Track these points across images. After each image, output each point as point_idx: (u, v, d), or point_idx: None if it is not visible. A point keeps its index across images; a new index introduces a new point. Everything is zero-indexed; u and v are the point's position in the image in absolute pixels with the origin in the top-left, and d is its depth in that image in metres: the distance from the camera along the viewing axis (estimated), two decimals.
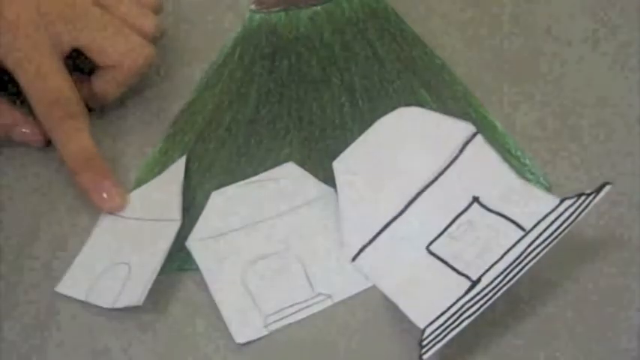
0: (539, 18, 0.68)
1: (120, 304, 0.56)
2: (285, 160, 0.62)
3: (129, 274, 0.58)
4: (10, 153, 0.65)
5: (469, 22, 0.68)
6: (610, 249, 0.56)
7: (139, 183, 0.63)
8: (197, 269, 0.58)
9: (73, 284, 0.59)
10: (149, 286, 0.56)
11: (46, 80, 0.61)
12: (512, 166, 0.59)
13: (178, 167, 0.62)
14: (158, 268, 0.57)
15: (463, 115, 0.62)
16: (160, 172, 0.63)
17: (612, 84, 0.64)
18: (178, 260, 0.59)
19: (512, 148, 0.61)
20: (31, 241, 0.61)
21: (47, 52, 0.60)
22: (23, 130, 0.64)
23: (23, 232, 0.61)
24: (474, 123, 0.60)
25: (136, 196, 0.62)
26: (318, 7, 0.68)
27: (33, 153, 0.64)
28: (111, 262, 0.59)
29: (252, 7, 0.68)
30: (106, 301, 0.57)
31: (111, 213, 0.61)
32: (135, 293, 0.56)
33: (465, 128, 0.59)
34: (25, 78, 0.61)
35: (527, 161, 0.60)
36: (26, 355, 0.56)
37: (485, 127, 0.61)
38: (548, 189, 0.59)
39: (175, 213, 0.59)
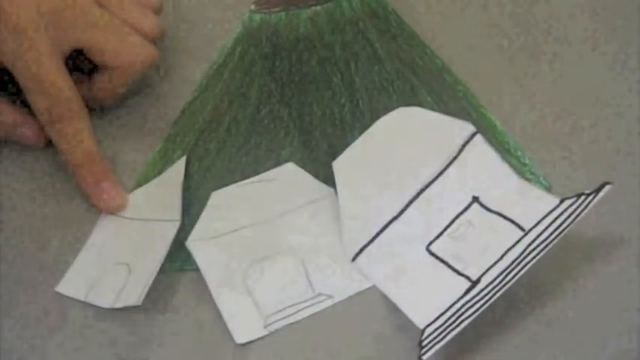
0: (539, 18, 0.67)
1: (119, 304, 0.56)
2: (286, 161, 0.62)
3: (128, 275, 0.58)
4: (10, 153, 0.65)
5: (469, 22, 0.68)
6: (610, 249, 0.57)
7: (140, 183, 0.63)
8: (197, 269, 0.58)
9: (73, 284, 0.59)
10: (148, 286, 0.56)
11: (46, 80, 0.60)
12: (512, 166, 0.59)
13: (178, 167, 0.62)
14: (157, 269, 0.57)
15: (463, 115, 0.62)
16: (160, 173, 0.63)
17: (612, 84, 0.64)
18: (179, 260, 0.59)
19: (512, 148, 0.61)
20: (32, 241, 0.61)
21: (47, 52, 0.60)
22: (23, 130, 0.64)
23: (23, 231, 0.61)
24: (474, 123, 0.60)
25: (136, 196, 0.62)
26: (318, 7, 0.68)
27: (33, 153, 0.64)
28: (111, 262, 0.59)
29: (253, 7, 0.68)
30: (105, 301, 0.57)
31: (111, 213, 0.61)
32: (134, 293, 0.56)
33: (465, 128, 0.59)
34: (25, 78, 0.61)
35: (527, 161, 0.60)
36: (26, 355, 0.56)
37: (485, 127, 0.61)
38: (548, 189, 0.59)
39: (175, 213, 0.59)
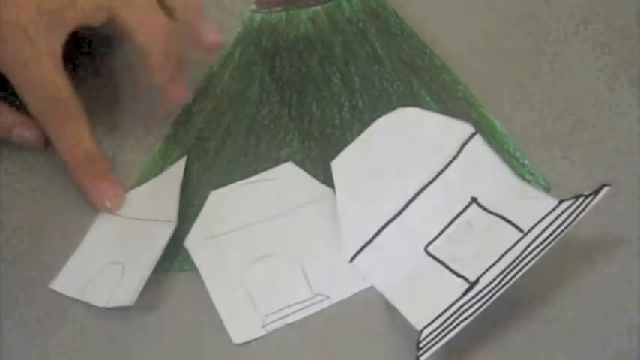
0: (539, 18, 0.67)
1: (112, 304, 0.56)
2: (285, 160, 0.62)
3: (122, 274, 0.58)
4: (10, 153, 0.65)
5: (469, 22, 0.68)
6: (610, 249, 0.56)
7: (140, 183, 0.62)
8: (195, 269, 0.58)
9: (67, 282, 0.59)
10: (141, 287, 0.56)
11: (46, 80, 0.60)
12: (511, 166, 0.59)
13: (177, 169, 0.62)
14: (150, 270, 0.57)
15: (463, 115, 0.62)
16: (160, 172, 0.63)
17: (612, 84, 0.64)
18: (177, 260, 0.59)
19: (512, 148, 0.61)
20: (32, 241, 0.61)
21: (47, 52, 0.60)
22: (23, 131, 0.64)
23: (23, 231, 0.61)
24: (474, 123, 0.60)
25: (134, 195, 0.62)
26: (319, 7, 0.68)
27: (33, 153, 0.64)
28: (106, 261, 0.59)
29: (253, 7, 0.68)
30: (99, 300, 0.57)
31: (109, 213, 0.61)
32: (127, 293, 0.56)
33: (464, 129, 0.59)
34: (24, 78, 0.60)
35: (527, 162, 0.60)
36: (26, 355, 0.56)
37: (484, 128, 0.61)
38: (548, 190, 0.59)
39: (171, 215, 0.59)
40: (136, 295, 0.55)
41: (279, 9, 0.68)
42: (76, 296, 0.58)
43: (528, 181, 0.59)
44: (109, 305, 0.56)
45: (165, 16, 0.62)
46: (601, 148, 0.61)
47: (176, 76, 0.63)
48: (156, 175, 0.63)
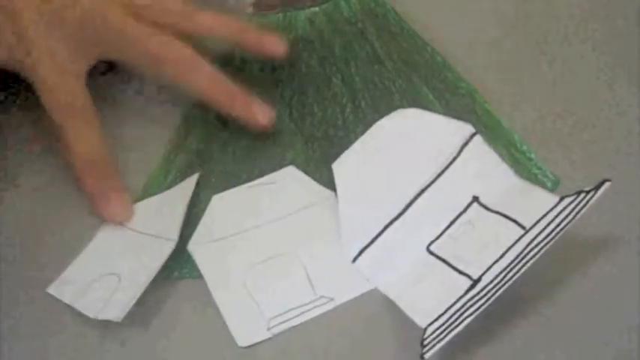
0: (539, 18, 0.67)
1: (101, 317, 0.56)
2: (289, 163, 0.62)
3: (117, 287, 0.57)
4: (10, 153, 0.65)
5: (469, 22, 0.68)
6: (610, 249, 0.56)
7: (146, 189, 0.62)
8: (199, 272, 0.58)
9: (63, 287, 0.58)
10: (133, 302, 0.55)
11: (49, 79, 0.60)
12: (518, 161, 0.59)
13: (188, 184, 0.61)
14: (143, 288, 0.56)
15: (467, 112, 0.62)
16: (165, 177, 0.62)
17: (612, 84, 0.64)
18: (180, 263, 0.58)
19: (518, 142, 0.61)
20: (32, 242, 0.61)
21: (48, 51, 0.60)
22: None
23: (23, 232, 0.61)
24: (478, 119, 0.60)
25: (142, 207, 0.61)
26: (316, 8, 0.68)
27: (33, 153, 0.64)
28: (103, 271, 0.58)
29: (249, 10, 0.68)
30: (91, 311, 0.56)
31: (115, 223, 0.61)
32: (117, 308, 0.55)
33: (464, 129, 0.59)
34: (39, 79, 0.60)
35: (533, 156, 0.60)
36: (26, 355, 0.56)
37: (490, 123, 0.62)
38: (556, 183, 0.59)
39: (174, 234, 0.58)
40: (126, 311, 0.55)
41: (275, 11, 0.68)
42: (70, 303, 0.57)
43: (535, 175, 0.59)
44: (99, 317, 0.56)
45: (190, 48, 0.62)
46: (601, 148, 0.61)
47: (238, 95, 0.62)
48: (162, 180, 0.62)
